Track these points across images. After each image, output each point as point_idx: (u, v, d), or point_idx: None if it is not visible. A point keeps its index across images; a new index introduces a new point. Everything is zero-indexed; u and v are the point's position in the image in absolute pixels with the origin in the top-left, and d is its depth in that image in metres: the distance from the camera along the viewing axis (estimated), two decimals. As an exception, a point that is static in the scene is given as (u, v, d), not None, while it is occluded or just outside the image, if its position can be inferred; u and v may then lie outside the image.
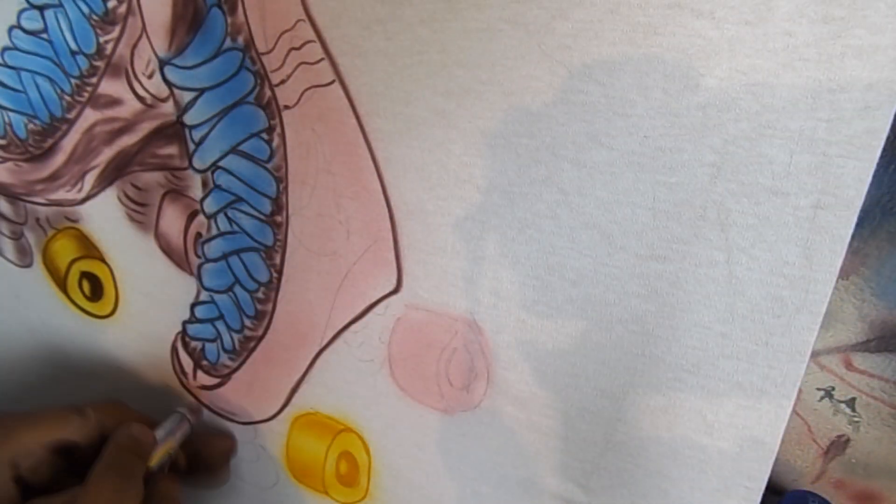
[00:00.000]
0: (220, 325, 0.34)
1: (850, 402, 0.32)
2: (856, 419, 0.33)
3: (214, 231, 0.32)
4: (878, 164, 0.20)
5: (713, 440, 0.24)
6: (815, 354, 0.32)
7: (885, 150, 0.22)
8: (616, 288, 0.24)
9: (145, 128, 0.31)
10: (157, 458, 0.31)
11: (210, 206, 0.32)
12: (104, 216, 0.35)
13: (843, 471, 0.34)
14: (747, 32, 0.19)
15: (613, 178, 0.23)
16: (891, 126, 0.19)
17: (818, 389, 0.33)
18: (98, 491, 0.27)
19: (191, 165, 0.31)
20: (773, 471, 0.34)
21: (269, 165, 0.29)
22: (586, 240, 0.24)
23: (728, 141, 0.21)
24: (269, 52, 0.27)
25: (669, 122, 0.21)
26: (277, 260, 0.31)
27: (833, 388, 0.32)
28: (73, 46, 0.31)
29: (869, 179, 0.20)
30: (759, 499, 0.24)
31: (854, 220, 0.20)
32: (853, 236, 0.21)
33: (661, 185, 0.22)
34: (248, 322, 0.33)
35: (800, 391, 0.33)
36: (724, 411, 0.24)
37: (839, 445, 0.34)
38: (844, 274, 0.29)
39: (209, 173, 0.31)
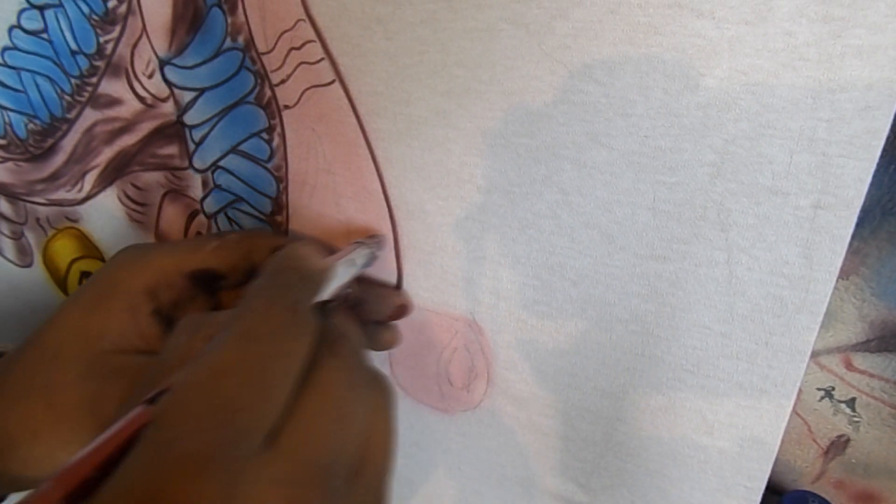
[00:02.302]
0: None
1: (851, 402, 0.32)
2: (856, 419, 0.33)
3: (215, 231, 0.32)
4: (878, 165, 0.20)
5: (713, 440, 0.24)
6: (815, 354, 0.32)
7: (885, 150, 0.22)
8: (616, 288, 0.24)
9: (145, 128, 0.31)
10: (331, 290, 0.23)
11: (210, 205, 0.32)
12: (104, 216, 0.35)
13: (843, 471, 0.34)
14: (747, 32, 0.19)
15: (614, 177, 0.23)
16: (891, 126, 0.19)
17: (818, 389, 0.33)
18: (262, 319, 0.19)
19: (191, 165, 0.31)
20: (773, 471, 0.33)
21: (269, 165, 0.29)
22: (586, 240, 0.24)
23: (728, 141, 0.21)
24: (269, 52, 0.27)
25: (669, 121, 0.21)
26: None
27: (833, 388, 0.32)
28: (74, 46, 0.31)
29: (869, 179, 0.20)
30: (758, 499, 0.24)
31: (854, 219, 0.20)
32: (853, 236, 0.21)
33: (661, 184, 0.22)
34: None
35: (800, 391, 0.33)
36: (724, 411, 0.24)
37: (839, 445, 0.34)
38: (844, 274, 0.29)
39: (209, 173, 0.31)
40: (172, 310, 0.26)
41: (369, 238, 0.27)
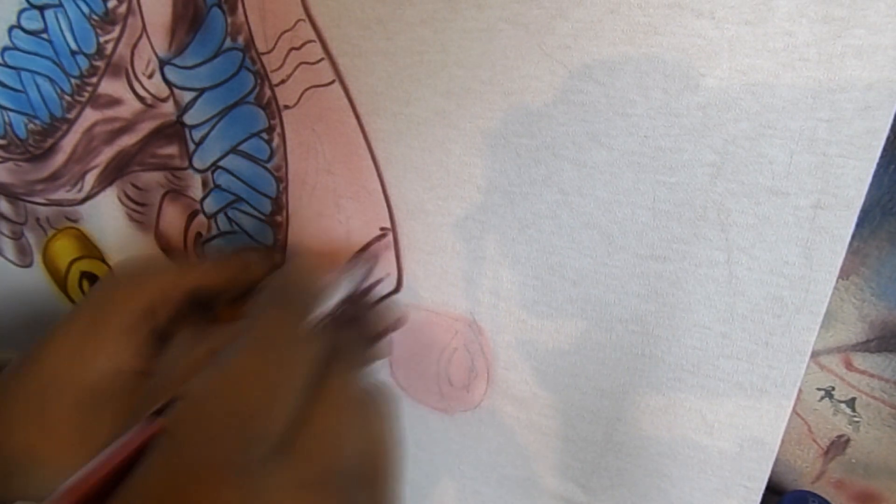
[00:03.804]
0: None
1: (851, 402, 0.32)
2: (856, 419, 0.33)
3: (214, 231, 0.32)
4: (878, 165, 0.20)
5: (713, 440, 0.24)
6: (815, 354, 0.32)
7: (885, 150, 0.22)
8: (616, 288, 0.24)
9: (145, 128, 0.31)
10: (331, 305, 0.25)
11: (210, 205, 0.32)
12: (104, 216, 0.35)
13: (843, 471, 0.34)
14: (747, 32, 0.19)
15: (614, 177, 0.23)
16: (891, 126, 0.19)
17: (818, 389, 0.33)
18: (269, 325, 0.20)
19: (191, 165, 0.31)
20: (773, 471, 0.33)
21: (269, 165, 0.29)
22: (586, 240, 0.24)
23: (728, 141, 0.21)
24: (269, 52, 0.27)
25: (669, 121, 0.21)
26: (278, 260, 0.31)
27: (833, 388, 0.32)
28: (74, 46, 0.31)
29: (869, 179, 0.20)
30: (758, 499, 0.24)
31: (854, 219, 0.20)
32: (853, 236, 0.21)
33: (661, 184, 0.22)
34: (248, 322, 0.33)
35: (800, 391, 0.33)
36: (724, 411, 0.24)
37: (839, 445, 0.34)
38: (844, 274, 0.29)
39: (209, 173, 0.31)
40: (169, 328, 0.26)
41: (365, 255, 0.28)
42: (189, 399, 0.17)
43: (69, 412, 0.24)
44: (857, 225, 0.21)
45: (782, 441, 0.28)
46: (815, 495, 0.32)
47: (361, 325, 0.28)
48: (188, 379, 0.18)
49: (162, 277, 0.26)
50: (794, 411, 0.34)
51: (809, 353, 0.22)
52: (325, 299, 0.24)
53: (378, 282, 0.28)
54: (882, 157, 0.20)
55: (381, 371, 0.30)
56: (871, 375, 0.31)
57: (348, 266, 0.27)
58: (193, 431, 0.17)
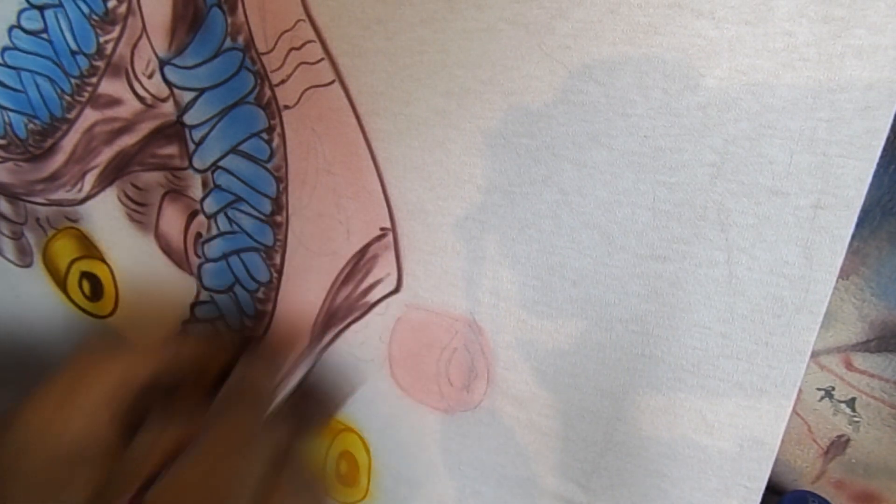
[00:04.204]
0: (219, 325, 0.34)
1: (851, 402, 0.32)
2: (856, 419, 0.33)
3: (214, 231, 0.32)
4: (879, 165, 0.20)
5: (713, 440, 0.24)
6: (815, 354, 0.32)
7: (885, 150, 0.22)
8: (616, 288, 0.24)
9: (145, 128, 0.31)
10: (279, 399, 0.29)
11: (210, 206, 0.32)
12: (104, 216, 0.35)
13: (843, 471, 0.34)
14: (747, 32, 0.19)
15: (614, 177, 0.23)
16: (891, 126, 0.19)
17: (818, 389, 0.33)
18: (222, 434, 0.24)
19: (191, 165, 0.31)
20: (773, 471, 0.33)
21: (269, 165, 0.29)
22: (586, 240, 0.24)
23: (728, 141, 0.21)
24: (269, 52, 0.27)
25: (670, 121, 0.21)
26: (277, 260, 0.31)
27: (833, 388, 0.32)
28: (74, 46, 0.31)
29: (869, 179, 0.20)
30: (758, 499, 0.24)
31: (854, 219, 0.20)
32: (853, 236, 0.21)
33: (661, 184, 0.22)
34: (247, 322, 0.33)
35: (800, 391, 0.33)
36: (724, 411, 0.24)
37: (839, 445, 0.34)
38: (844, 274, 0.29)
39: (209, 173, 0.31)
40: (129, 414, 0.27)
41: (315, 349, 0.32)
42: (157, 497, 0.20)
43: (41, 478, 0.26)
44: (858, 225, 0.21)
45: (782, 441, 0.28)
46: (815, 495, 0.32)
47: (318, 395, 0.31)
48: (155, 466, 0.22)
49: (124, 367, 0.28)
50: (794, 411, 0.34)
51: (809, 353, 0.22)
52: (282, 390, 0.28)
53: (378, 282, 0.28)
54: (882, 157, 0.20)
55: (381, 371, 0.30)
56: (872, 375, 0.31)
57: (293, 365, 0.30)
58: None
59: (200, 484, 0.21)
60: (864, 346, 0.31)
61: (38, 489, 0.26)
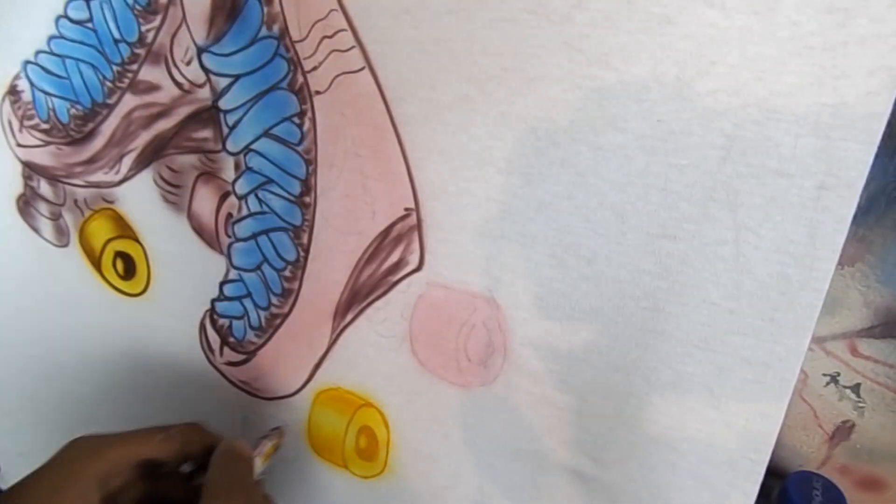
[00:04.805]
0: (247, 302, 0.35)
1: (856, 388, 0.33)
2: (861, 405, 0.33)
3: (245, 212, 0.34)
4: (884, 154, 0.21)
5: (720, 413, 0.25)
6: (820, 340, 0.33)
7: (890, 138, 0.23)
8: (629, 266, 0.25)
9: (182, 112, 0.33)
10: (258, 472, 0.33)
11: (241, 187, 0.33)
12: (140, 197, 0.37)
13: (847, 456, 0.35)
14: (756, 22, 0.21)
15: (627, 160, 0.24)
16: (896, 114, 0.20)
17: (824, 375, 0.34)
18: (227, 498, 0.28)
19: (224, 148, 0.33)
20: (779, 456, 0.34)
21: (299, 148, 0.31)
22: (601, 219, 0.25)
23: (737, 125, 0.22)
24: (302, 40, 0.29)
25: (681, 106, 0.22)
26: (305, 239, 0.32)
27: (838, 374, 0.33)
28: (117, 35, 0.33)
29: (870, 161, 0.21)
30: (762, 471, 0.25)
31: (856, 200, 0.21)
32: (858, 224, 0.22)
33: (672, 166, 0.23)
34: (274, 300, 0.34)
35: (806, 376, 0.34)
36: (730, 385, 0.25)
37: (844, 431, 0.35)
38: (850, 261, 0.30)
39: (242, 156, 0.32)
40: (118, 494, 0.30)
41: (273, 432, 0.36)
42: None
43: None
44: (863, 213, 0.22)
45: (788, 426, 0.29)
46: (819, 476, 0.33)
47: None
48: None
49: (117, 451, 0.30)
50: (800, 396, 0.35)
51: (812, 329, 0.23)
52: (256, 468, 0.32)
53: (401, 260, 0.30)
54: (887, 146, 0.21)
55: (401, 348, 0.32)
56: (876, 361, 0.32)
57: (263, 443, 0.34)
58: None
59: None
60: (869, 332, 0.31)
61: None
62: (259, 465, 0.32)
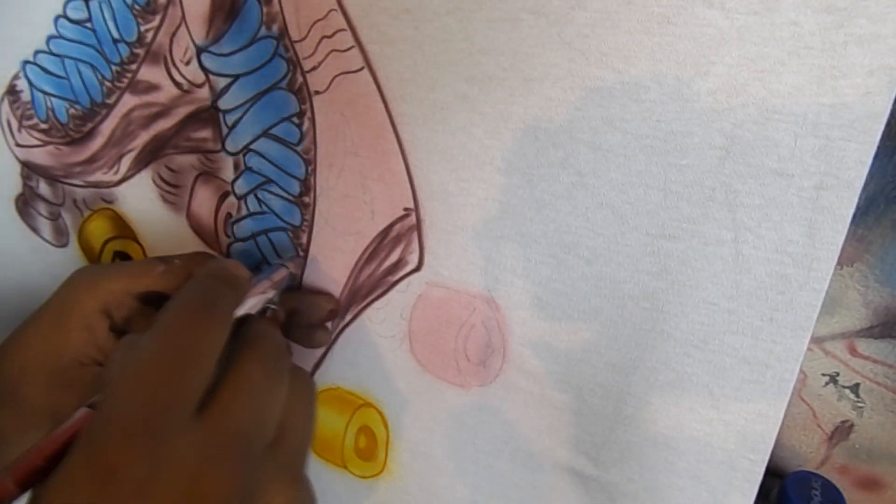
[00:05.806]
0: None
1: (855, 388, 0.33)
2: (860, 405, 0.33)
3: (244, 212, 0.34)
4: (883, 154, 0.21)
5: (719, 413, 0.25)
6: (819, 340, 0.33)
7: (889, 139, 0.23)
8: (628, 266, 0.25)
9: (181, 112, 0.33)
10: (252, 303, 0.27)
11: (241, 187, 0.33)
12: (139, 197, 0.37)
13: (846, 456, 0.35)
14: (755, 22, 0.21)
15: (627, 160, 0.24)
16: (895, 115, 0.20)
17: (823, 375, 0.34)
18: (177, 317, 0.22)
19: (223, 148, 0.33)
20: (778, 455, 0.34)
21: (298, 148, 0.31)
22: (600, 219, 0.25)
23: (736, 125, 0.22)
24: (301, 40, 0.29)
25: (681, 106, 0.22)
26: (304, 239, 0.32)
27: (838, 374, 0.33)
28: (116, 35, 0.33)
29: (869, 161, 0.21)
30: (761, 471, 0.25)
31: (855, 200, 0.21)
32: (858, 224, 0.22)
33: (672, 166, 0.23)
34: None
35: (805, 376, 0.34)
36: (729, 385, 0.25)
37: (843, 431, 0.35)
38: (849, 261, 0.30)
39: (241, 156, 0.32)
40: (126, 325, 0.29)
41: (286, 258, 0.32)
42: (111, 385, 0.21)
43: (40, 398, 0.28)
44: (862, 213, 0.22)
45: (787, 426, 0.29)
46: (818, 476, 0.33)
47: (299, 317, 0.32)
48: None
49: (113, 282, 0.29)
50: (799, 396, 0.35)
51: (811, 329, 0.23)
52: (245, 290, 0.27)
53: (400, 260, 0.30)
54: (886, 146, 0.21)
55: (400, 348, 0.32)
56: (875, 361, 0.32)
57: (269, 269, 0.30)
58: (112, 409, 0.20)
59: (147, 369, 0.20)
60: (868, 332, 0.32)
61: (34, 409, 0.27)
62: (255, 296, 0.27)
